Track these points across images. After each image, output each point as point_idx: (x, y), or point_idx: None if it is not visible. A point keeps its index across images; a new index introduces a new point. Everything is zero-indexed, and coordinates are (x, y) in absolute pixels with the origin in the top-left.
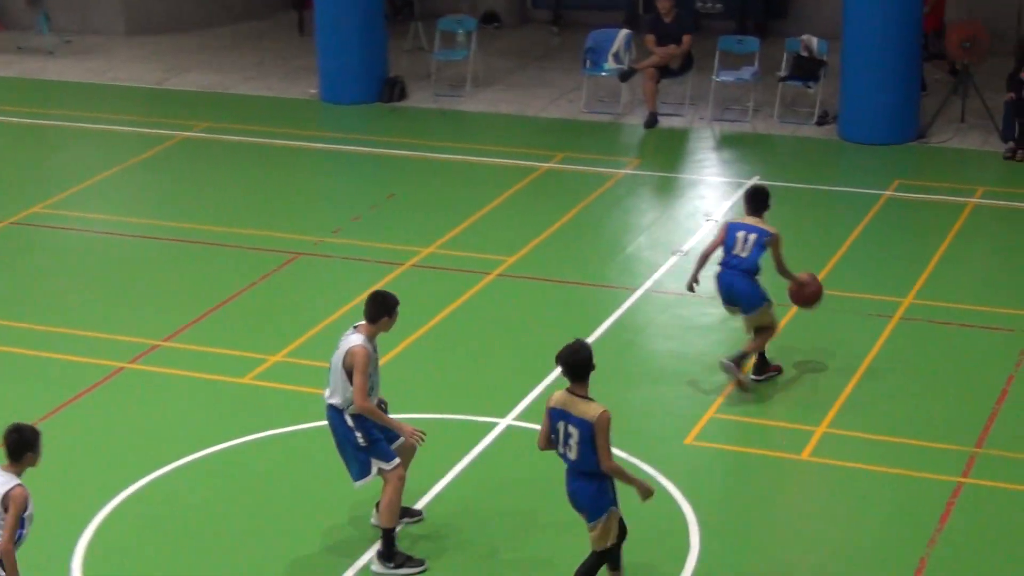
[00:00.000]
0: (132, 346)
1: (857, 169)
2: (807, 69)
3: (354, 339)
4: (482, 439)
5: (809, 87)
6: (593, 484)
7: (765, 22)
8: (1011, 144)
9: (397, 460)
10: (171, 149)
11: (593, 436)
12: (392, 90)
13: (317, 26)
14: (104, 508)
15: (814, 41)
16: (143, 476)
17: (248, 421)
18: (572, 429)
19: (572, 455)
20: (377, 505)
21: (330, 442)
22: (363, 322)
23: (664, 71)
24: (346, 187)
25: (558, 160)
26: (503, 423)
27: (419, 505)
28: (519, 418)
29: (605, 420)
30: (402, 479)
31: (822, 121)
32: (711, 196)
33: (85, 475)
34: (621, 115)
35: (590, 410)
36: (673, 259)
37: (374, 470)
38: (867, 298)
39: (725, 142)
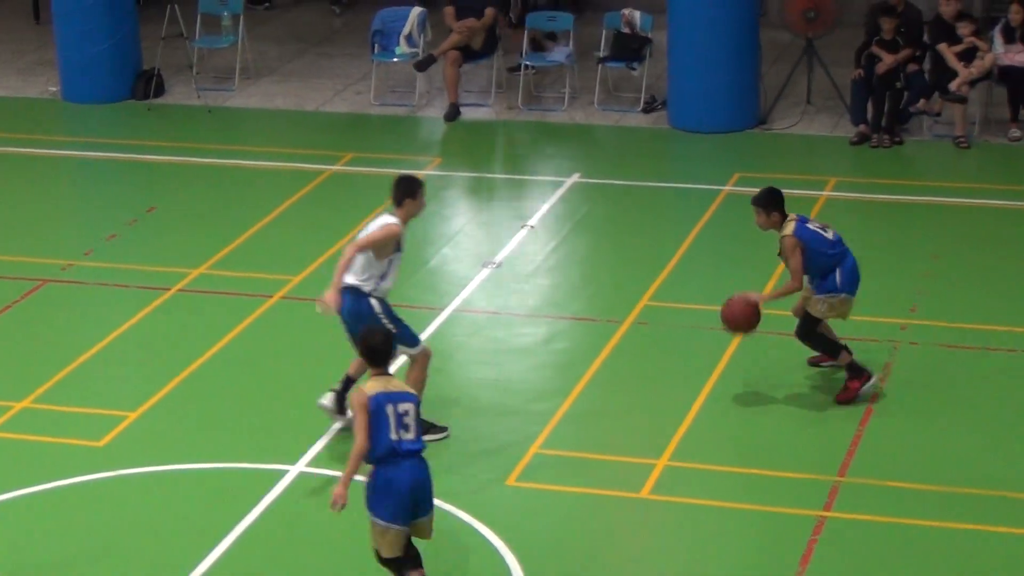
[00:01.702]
0: None
1: (691, 161)
2: (630, 48)
3: (387, 217)
4: (271, 488)
5: (633, 69)
6: (427, 463)
7: None
8: (861, 128)
9: (422, 343)
10: None
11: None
12: (147, 85)
13: (54, 12)
14: None
15: (636, 16)
16: None
17: None
18: (404, 406)
19: (411, 434)
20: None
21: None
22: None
23: (467, 54)
24: (98, 200)
25: (346, 161)
26: (295, 469)
27: (197, 572)
28: (313, 463)
29: None
30: (429, 356)
31: (649, 108)
32: (527, 198)
33: None
34: (418, 107)
35: (406, 384)
36: (485, 272)
37: (401, 357)
38: (707, 310)
39: (539, 135)
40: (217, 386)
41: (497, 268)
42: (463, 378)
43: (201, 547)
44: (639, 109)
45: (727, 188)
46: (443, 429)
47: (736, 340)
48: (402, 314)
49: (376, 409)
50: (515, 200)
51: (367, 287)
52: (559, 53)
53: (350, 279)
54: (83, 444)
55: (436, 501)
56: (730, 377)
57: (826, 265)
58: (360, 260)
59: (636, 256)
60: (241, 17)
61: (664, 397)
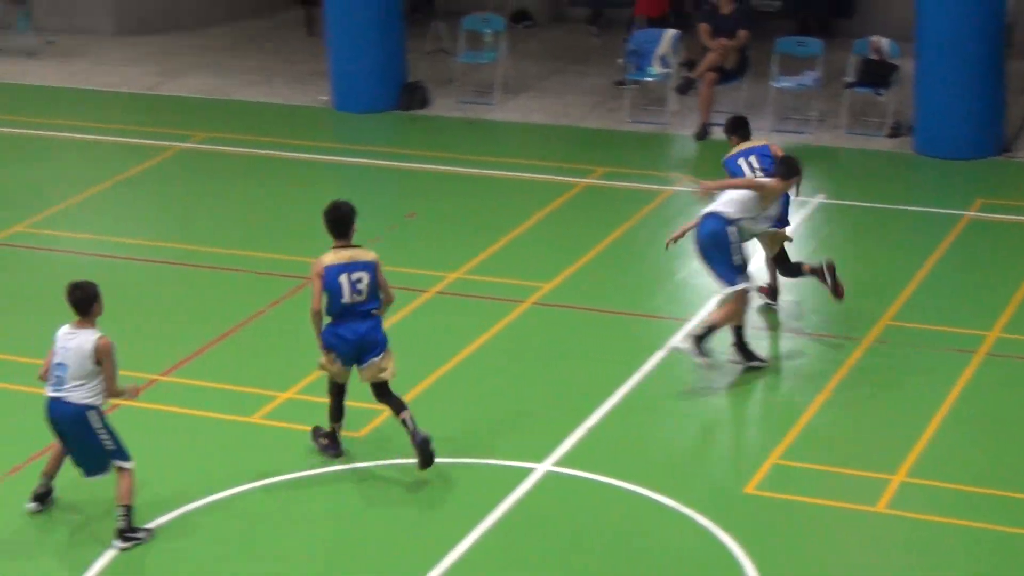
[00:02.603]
0: (126, 381)
1: (934, 186)
2: (877, 74)
3: (779, 181)
4: (518, 486)
5: (879, 94)
6: (377, 321)
7: (829, 22)
8: None
9: (743, 283)
10: (167, 162)
11: (376, 275)
12: (412, 97)
13: (328, 25)
14: (100, 554)
15: (884, 43)
16: (142, 521)
17: (255, 464)
18: (359, 275)
19: (363, 297)
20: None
21: (351, 488)
22: None
23: (720, 75)
24: (362, 205)
25: (599, 175)
26: (541, 468)
27: (439, 567)
28: (560, 463)
29: (379, 259)
30: (746, 298)
31: (894, 133)
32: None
33: (74, 521)
34: (669, 125)
35: (368, 254)
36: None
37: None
38: (946, 331)
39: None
40: (470, 384)
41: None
42: (705, 387)
43: (445, 541)
44: (884, 134)
45: (969, 214)
46: (764, 360)
47: (971, 365)
48: (645, 325)
49: (330, 278)
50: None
51: (734, 216)
52: (808, 77)
53: (722, 207)
54: (344, 434)
55: (676, 505)
56: (970, 397)
57: None
58: (742, 196)
59: (877, 276)
60: (503, 35)
61: (902, 414)
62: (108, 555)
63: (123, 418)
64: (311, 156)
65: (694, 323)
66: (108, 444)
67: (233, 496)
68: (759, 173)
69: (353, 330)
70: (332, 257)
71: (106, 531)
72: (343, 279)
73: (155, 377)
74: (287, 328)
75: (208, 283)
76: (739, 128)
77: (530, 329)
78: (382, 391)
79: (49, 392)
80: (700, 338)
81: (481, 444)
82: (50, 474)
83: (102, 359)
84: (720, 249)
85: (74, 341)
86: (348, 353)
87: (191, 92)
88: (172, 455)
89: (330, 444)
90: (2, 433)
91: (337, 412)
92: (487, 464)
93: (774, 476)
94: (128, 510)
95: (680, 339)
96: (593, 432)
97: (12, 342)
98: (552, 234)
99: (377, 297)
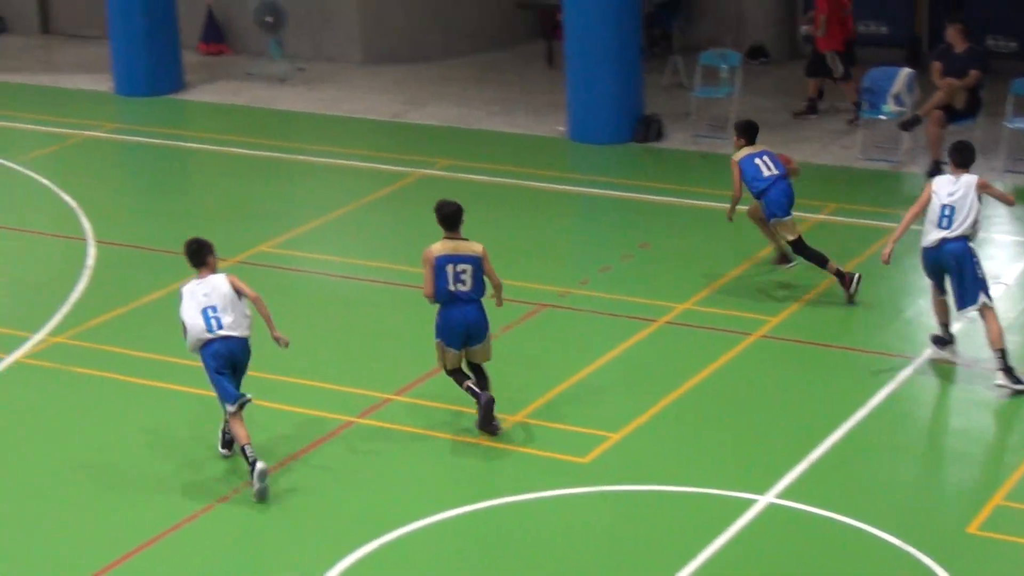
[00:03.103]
0: (362, 399)
1: None
2: None
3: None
4: (739, 517)
5: None
6: (483, 309)
7: None
8: None
9: (984, 301)
10: (409, 187)
11: (482, 266)
12: (647, 129)
13: (567, 58)
14: (334, 568)
15: None
16: (374, 538)
17: (484, 485)
18: (464, 266)
19: (467, 287)
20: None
21: (569, 514)
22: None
23: (949, 114)
24: (595, 234)
25: (829, 211)
26: (763, 500)
27: None
28: (782, 496)
29: (485, 251)
30: (993, 310)
31: None
32: (1001, 257)
33: (313, 534)
34: (901, 163)
35: (474, 247)
36: (957, 326)
37: (980, 301)
38: None
39: (1018, 197)
40: (696, 414)
41: (970, 322)
42: (930, 426)
43: (665, 569)
44: None
45: None
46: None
47: None
48: (871, 361)
49: (438, 267)
50: (990, 259)
51: (969, 232)
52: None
53: (961, 229)
54: (569, 459)
55: (897, 542)
56: None
57: (755, 192)
58: (973, 211)
59: None
60: (738, 70)
61: None
62: None
63: (357, 437)
64: (547, 185)
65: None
66: None
67: (457, 516)
68: (773, 171)
69: (461, 315)
70: (441, 247)
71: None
72: (449, 268)
73: (388, 396)
74: (517, 352)
75: None
76: (750, 131)
77: (755, 362)
78: (479, 370)
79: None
80: (1008, 369)
81: (703, 473)
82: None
83: (240, 290)
84: (966, 266)
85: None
86: (456, 338)
87: (434, 121)
88: (405, 474)
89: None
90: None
91: (462, 375)
92: (709, 493)
93: (998, 517)
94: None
95: (996, 380)
96: (816, 466)
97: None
98: (781, 269)
99: (481, 287)
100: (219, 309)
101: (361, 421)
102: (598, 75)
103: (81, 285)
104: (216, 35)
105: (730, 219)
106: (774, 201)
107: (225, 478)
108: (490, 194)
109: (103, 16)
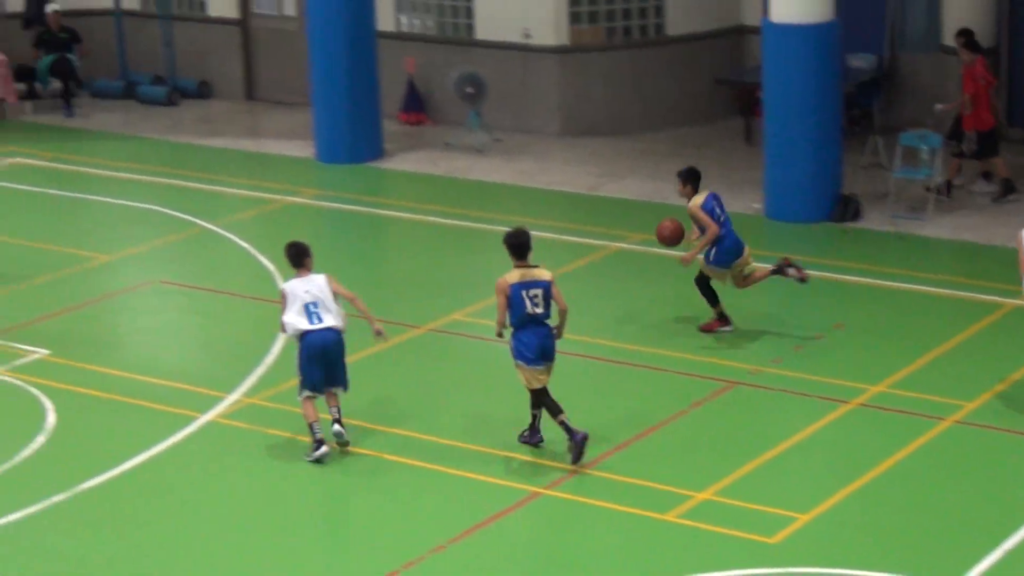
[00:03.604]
0: (549, 470)
1: None
2: None
3: None
4: None
5: None
6: (551, 330)
7: None
8: None
9: None
10: (603, 260)
11: (551, 291)
12: (845, 209)
13: (766, 135)
14: None
15: None
16: None
17: (668, 564)
18: (536, 291)
19: (540, 310)
20: None
21: None
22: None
23: None
24: (790, 312)
25: None
26: None
27: None
28: None
29: (553, 277)
30: None
31: None
32: None
33: None
34: None
35: (544, 273)
36: None
37: None
38: None
39: None
40: (886, 498)
41: None
42: None
43: None
44: None
45: None
46: None
47: None
48: None
49: (514, 294)
50: None
51: None
52: None
53: None
54: (756, 539)
55: None
56: None
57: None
58: None
59: None
60: (939, 152)
61: None
62: None
63: (541, 509)
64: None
65: None
66: None
67: None
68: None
69: (536, 335)
70: (515, 276)
71: None
72: (524, 294)
73: (576, 469)
74: (706, 429)
75: (633, 380)
76: (696, 179)
77: (949, 447)
78: (544, 393)
79: None
80: None
81: (894, 558)
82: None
83: (333, 287)
84: None
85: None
86: (534, 357)
87: (629, 194)
88: (587, 549)
89: (532, 433)
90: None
91: (555, 406)
92: None
93: None
94: None
95: None
96: (1011, 555)
97: (443, 426)
98: (978, 353)
99: (550, 310)
100: (319, 305)
101: (547, 492)
102: (797, 153)
103: (276, 347)
104: (416, 105)
105: (687, 263)
106: (731, 247)
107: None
108: (686, 270)
109: (306, 84)
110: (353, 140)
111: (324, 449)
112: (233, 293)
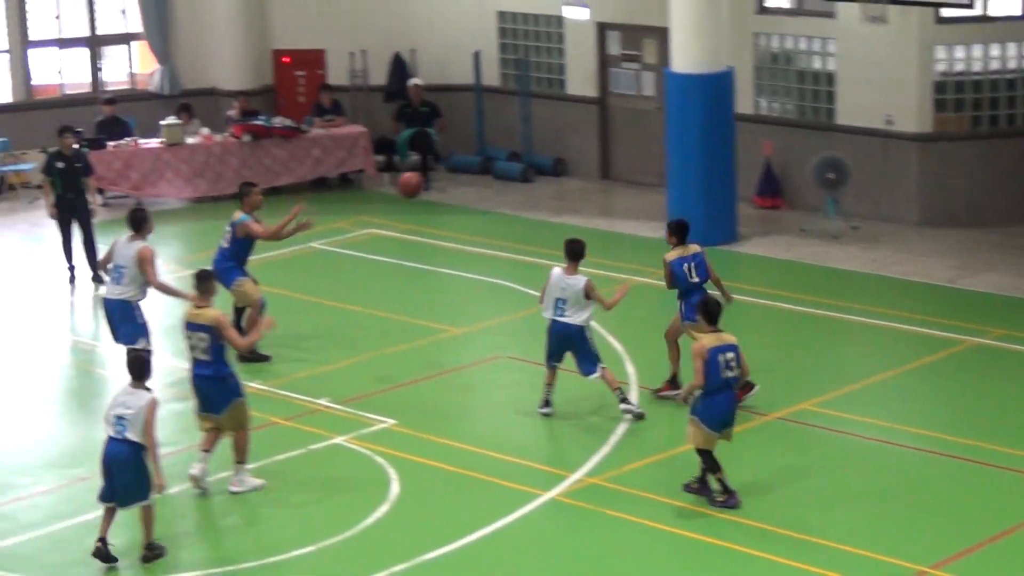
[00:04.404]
0: (892, 569)
1: None
2: None
3: None
4: None
5: None
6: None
7: None
8: None
9: None
10: (960, 355)
11: (739, 353)
12: None
13: None
14: None
15: None
16: None
17: None
18: (730, 353)
19: (734, 373)
20: None
21: None
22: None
23: None
24: None
25: None
26: None
27: None
28: None
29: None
30: None
31: None
32: None
33: None
34: None
35: (732, 337)
36: None
37: None
38: None
39: None
40: None
41: None
42: None
43: None
44: None
45: None
46: None
47: None
48: None
49: (712, 358)
50: None
51: None
52: None
53: None
54: None
55: None
56: None
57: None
58: None
59: None
60: None
61: None
62: None
63: None
64: None
65: None
66: None
67: None
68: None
69: (727, 402)
70: (711, 340)
71: None
72: (720, 358)
73: (924, 568)
74: None
75: (988, 480)
76: (681, 232)
77: None
78: (709, 454)
79: None
80: None
81: None
82: None
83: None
84: None
85: None
86: (720, 424)
87: (990, 288)
88: None
89: (728, 495)
90: None
91: (716, 464)
92: None
93: None
94: None
95: None
96: None
97: (794, 518)
98: None
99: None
100: (567, 302)
101: None
102: None
103: (620, 428)
104: (772, 189)
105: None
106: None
107: None
108: None
109: (662, 165)
110: (707, 223)
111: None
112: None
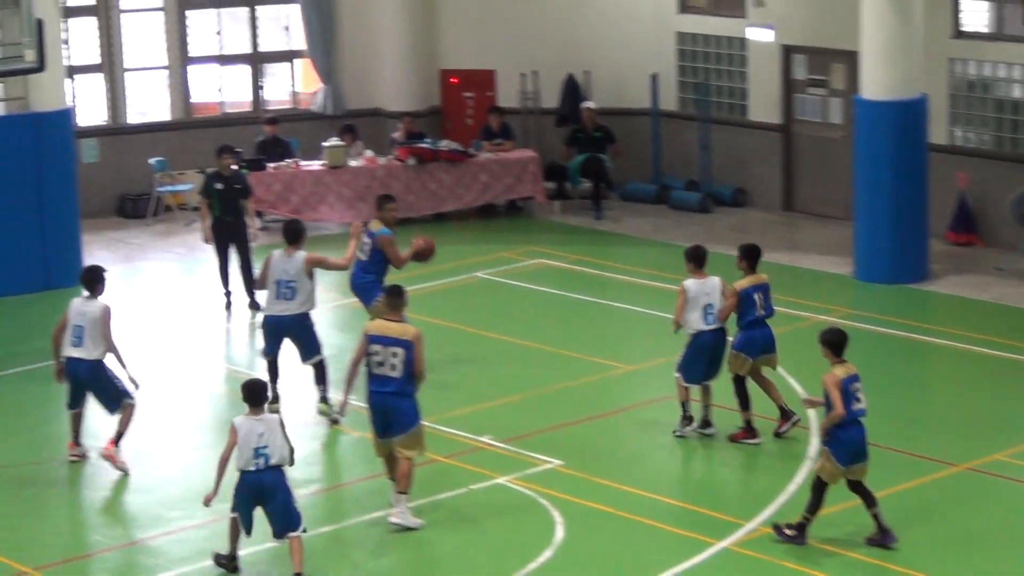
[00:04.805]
0: None
1: None
2: None
3: None
4: None
5: None
6: None
7: None
8: None
9: None
10: None
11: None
12: None
13: None
14: None
15: None
16: None
17: None
18: (859, 384)
19: (862, 404)
20: None
21: None
22: None
23: None
24: None
25: None
26: None
27: None
28: None
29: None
30: None
31: None
32: None
33: None
34: None
35: (853, 369)
36: None
37: None
38: None
39: None
40: None
41: None
42: None
43: None
44: None
45: None
46: None
47: None
48: None
49: (846, 387)
50: None
51: None
52: None
53: None
54: None
55: None
56: None
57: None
58: None
59: None
60: None
61: None
62: None
63: None
64: None
65: None
66: None
67: None
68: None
69: (860, 434)
70: (842, 371)
71: None
72: (852, 387)
73: None
74: None
75: None
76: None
77: None
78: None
79: None
80: None
81: None
82: None
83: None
84: None
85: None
86: (850, 457)
87: None
88: None
89: (799, 535)
90: None
91: (819, 503)
92: None
93: None
94: None
95: None
96: None
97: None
98: None
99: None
100: (713, 306)
101: None
102: None
103: (799, 477)
104: (967, 224)
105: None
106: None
107: None
108: None
109: (848, 197)
110: (895, 259)
111: (690, 428)
112: (758, 415)
